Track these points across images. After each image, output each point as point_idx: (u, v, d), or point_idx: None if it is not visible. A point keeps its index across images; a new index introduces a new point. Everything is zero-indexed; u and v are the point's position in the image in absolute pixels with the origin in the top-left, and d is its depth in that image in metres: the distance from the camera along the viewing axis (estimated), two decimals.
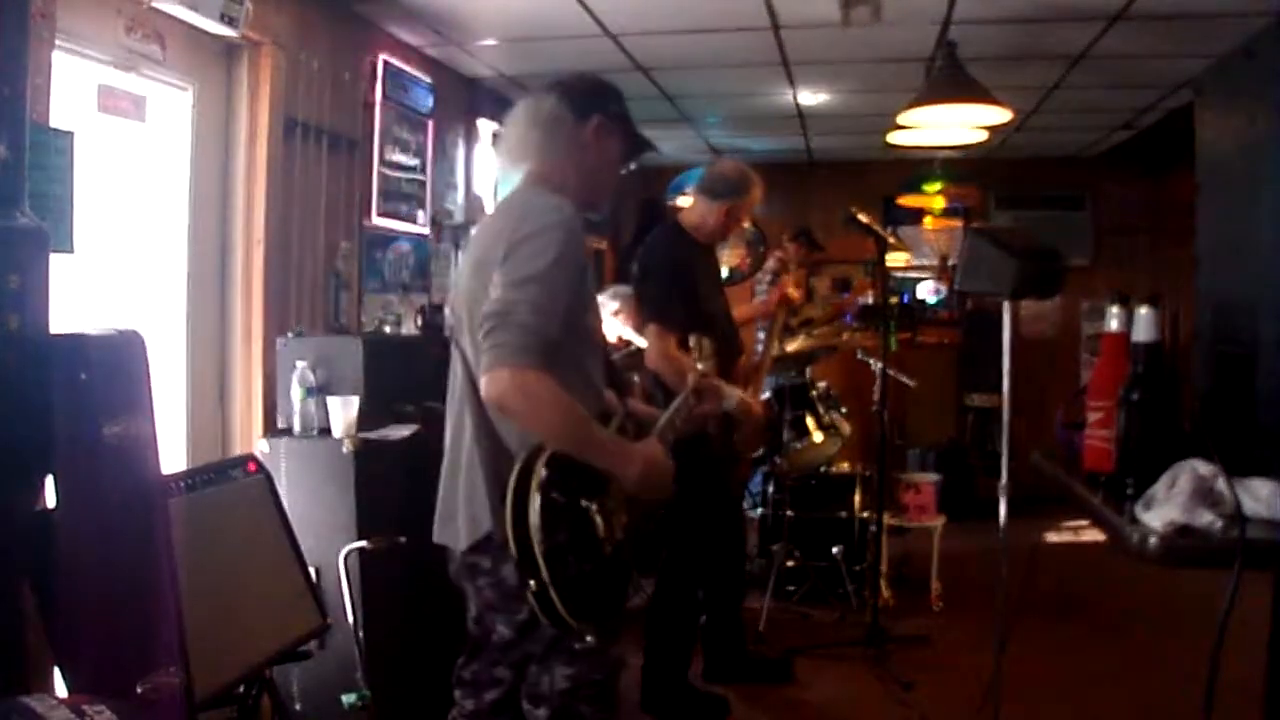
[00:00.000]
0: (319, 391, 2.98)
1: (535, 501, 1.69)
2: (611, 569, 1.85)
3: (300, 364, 2.99)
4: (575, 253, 1.82)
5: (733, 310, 3.59)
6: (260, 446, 2.94)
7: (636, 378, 4.26)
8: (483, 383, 1.74)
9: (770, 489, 4.61)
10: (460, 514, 1.89)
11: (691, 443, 3.19)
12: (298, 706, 2.76)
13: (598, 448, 1.81)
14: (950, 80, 4.00)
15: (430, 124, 4.38)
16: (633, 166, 2.14)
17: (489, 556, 1.84)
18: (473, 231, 2.05)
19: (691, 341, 2.38)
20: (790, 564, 4.44)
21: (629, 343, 4.53)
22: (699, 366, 2.32)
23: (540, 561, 1.68)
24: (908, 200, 7.32)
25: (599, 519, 1.81)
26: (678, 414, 2.16)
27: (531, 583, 1.68)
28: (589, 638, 1.84)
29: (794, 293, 3.97)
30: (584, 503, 1.80)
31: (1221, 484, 1.38)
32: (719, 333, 3.29)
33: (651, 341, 3.15)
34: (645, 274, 3.29)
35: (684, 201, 6.92)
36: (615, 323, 4.80)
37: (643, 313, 3.27)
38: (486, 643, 2.00)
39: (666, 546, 3.36)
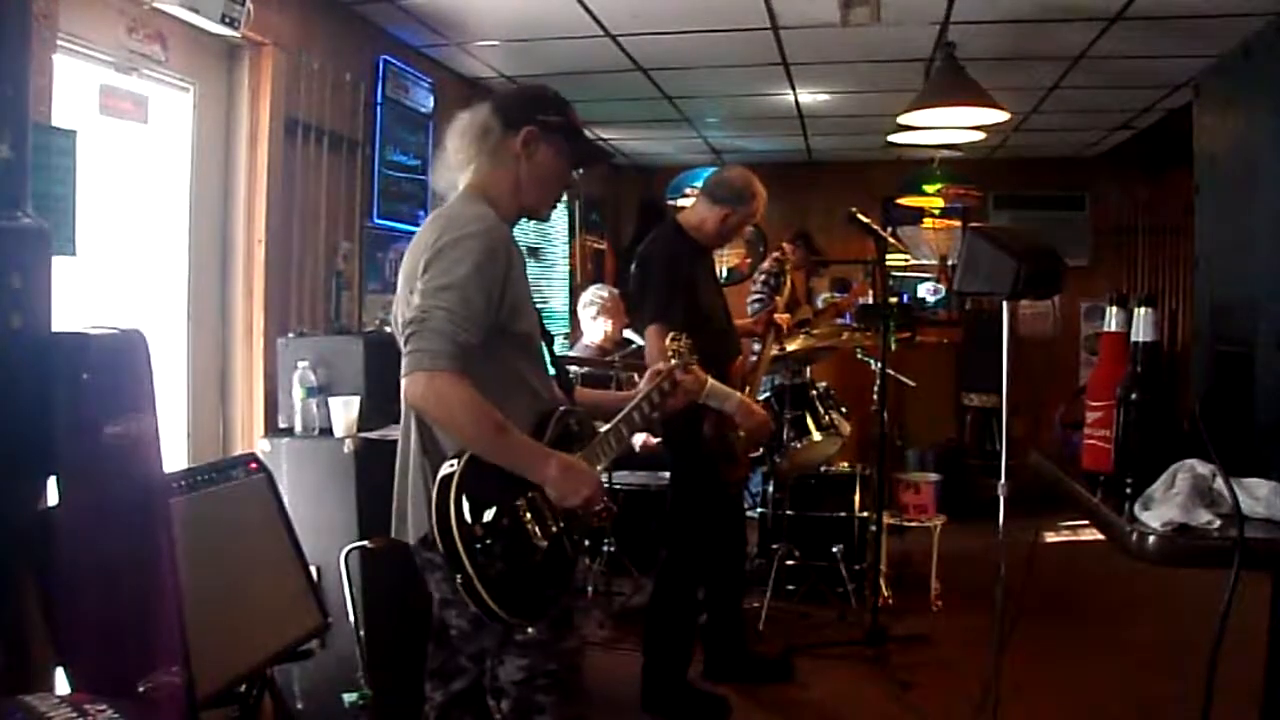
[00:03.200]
0: (320, 391, 2.99)
1: (456, 499, 1.75)
2: (548, 562, 1.87)
3: (301, 364, 3.00)
4: (494, 261, 1.86)
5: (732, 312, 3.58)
6: (261, 446, 2.94)
7: (636, 376, 4.27)
8: (402, 386, 1.81)
9: (770, 488, 4.62)
10: (409, 513, 1.96)
11: (688, 442, 3.22)
12: (299, 705, 2.76)
13: (509, 451, 1.83)
14: (949, 81, 4.00)
15: (430, 124, 4.39)
16: (580, 173, 2.15)
17: (437, 553, 1.87)
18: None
19: (669, 338, 2.38)
20: (790, 563, 4.45)
21: (630, 342, 4.54)
22: (673, 362, 2.32)
23: (463, 556, 1.73)
24: (907, 200, 7.33)
25: (528, 513, 1.85)
26: (639, 408, 2.18)
27: (458, 577, 1.74)
28: (529, 629, 1.88)
29: (782, 318, 3.98)
30: (510, 498, 1.83)
31: (1220, 483, 1.39)
32: (716, 333, 3.30)
33: (652, 341, 3.15)
34: (645, 275, 3.27)
35: (686, 200, 6.93)
36: (598, 324, 4.81)
37: (643, 313, 3.26)
38: (448, 632, 2.05)
39: (665, 546, 3.37)
